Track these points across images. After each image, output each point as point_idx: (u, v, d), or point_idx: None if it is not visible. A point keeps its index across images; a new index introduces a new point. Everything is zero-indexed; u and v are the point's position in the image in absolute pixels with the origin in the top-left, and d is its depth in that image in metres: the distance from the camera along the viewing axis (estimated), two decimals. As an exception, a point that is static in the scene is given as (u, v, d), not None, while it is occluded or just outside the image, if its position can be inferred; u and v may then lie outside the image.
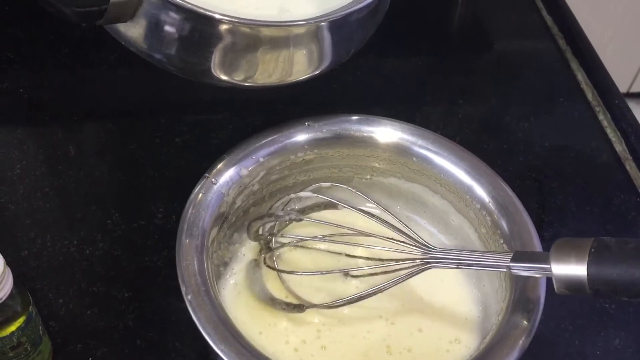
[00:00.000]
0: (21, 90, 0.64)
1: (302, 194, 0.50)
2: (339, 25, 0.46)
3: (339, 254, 0.51)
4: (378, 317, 0.49)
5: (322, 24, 0.45)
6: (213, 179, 0.47)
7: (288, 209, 0.52)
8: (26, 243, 0.53)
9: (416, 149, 0.51)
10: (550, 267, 0.39)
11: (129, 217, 0.56)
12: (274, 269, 0.49)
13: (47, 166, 0.59)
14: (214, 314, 0.42)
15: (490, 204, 0.49)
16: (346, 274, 0.50)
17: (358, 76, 0.70)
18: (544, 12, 0.79)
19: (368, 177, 0.54)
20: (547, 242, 0.56)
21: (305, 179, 0.53)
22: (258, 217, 0.49)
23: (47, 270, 0.52)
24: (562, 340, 0.52)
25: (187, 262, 0.43)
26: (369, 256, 0.50)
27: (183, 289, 0.42)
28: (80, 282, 0.52)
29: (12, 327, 0.42)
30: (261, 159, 0.49)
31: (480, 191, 0.50)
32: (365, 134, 0.52)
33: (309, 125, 0.51)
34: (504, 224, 0.48)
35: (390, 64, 0.72)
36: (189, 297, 0.42)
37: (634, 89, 1.56)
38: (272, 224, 0.50)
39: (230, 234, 0.50)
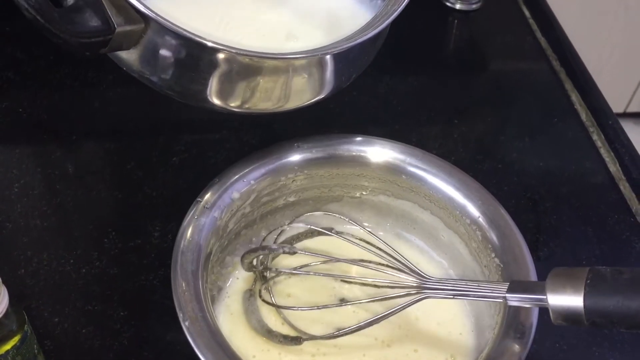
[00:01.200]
0: (20, 110, 0.64)
1: (295, 224, 0.50)
2: (343, 54, 0.46)
3: (334, 279, 0.51)
4: (373, 340, 0.49)
5: (326, 56, 0.45)
6: (205, 204, 0.48)
7: (281, 239, 0.52)
8: (23, 261, 0.53)
9: (405, 166, 0.52)
10: (547, 299, 0.39)
11: (126, 236, 0.56)
12: (270, 304, 0.49)
13: (45, 185, 0.59)
14: (212, 341, 0.42)
15: (480, 219, 0.50)
16: (342, 299, 0.51)
17: (355, 96, 0.71)
18: (539, 34, 0.80)
19: (357, 195, 0.54)
20: (543, 262, 0.57)
21: (295, 200, 0.53)
22: (252, 250, 0.49)
23: (43, 289, 0.52)
24: (556, 360, 0.52)
25: (183, 288, 0.43)
26: (364, 282, 0.50)
27: (180, 315, 0.42)
28: (76, 301, 0.52)
29: (7, 346, 0.42)
30: (252, 182, 0.50)
31: (470, 207, 0.50)
32: (355, 153, 0.53)
33: (298, 146, 0.52)
34: (494, 238, 0.49)
35: (386, 84, 0.73)
36: (186, 323, 0.42)
37: (631, 109, 1.57)
38: (266, 255, 0.50)
39: (223, 257, 0.50)
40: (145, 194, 0.59)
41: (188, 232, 0.46)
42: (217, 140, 0.64)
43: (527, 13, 0.83)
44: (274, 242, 0.51)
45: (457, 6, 0.83)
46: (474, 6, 0.83)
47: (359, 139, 0.53)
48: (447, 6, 0.83)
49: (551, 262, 0.57)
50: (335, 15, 0.49)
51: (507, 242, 0.48)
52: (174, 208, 0.51)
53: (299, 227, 0.52)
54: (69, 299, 0.52)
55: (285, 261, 0.52)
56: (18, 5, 0.40)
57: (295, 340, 0.48)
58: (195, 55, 0.43)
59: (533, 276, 0.47)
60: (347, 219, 0.49)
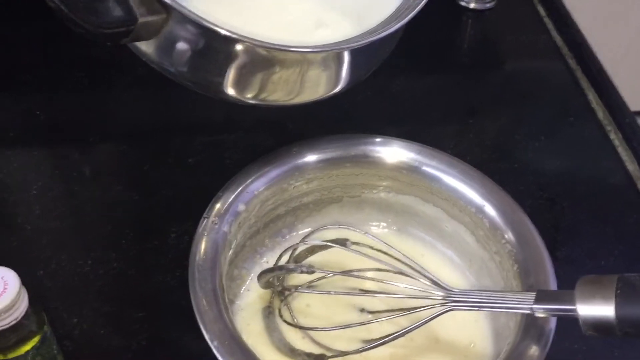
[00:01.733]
0: (37, 112, 0.65)
1: (309, 241, 0.50)
2: (363, 48, 0.45)
3: (354, 290, 0.51)
4: (395, 351, 0.48)
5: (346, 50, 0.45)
6: (213, 219, 0.47)
7: (294, 252, 0.51)
8: (42, 263, 0.54)
9: (404, 160, 0.52)
10: (577, 309, 0.39)
11: (143, 237, 0.56)
12: (293, 325, 0.49)
13: (63, 187, 0.60)
14: (243, 357, 0.41)
15: (485, 207, 0.50)
16: (362, 310, 0.50)
17: (368, 96, 0.71)
18: (554, 33, 0.79)
19: (357, 194, 0.54)
20: (560, 262, 0.56)
21: (296, 205, 0.53)
22: (268, 270, 0.49)
23: (62, 290, 0.53)
24: (575, 361, 0.51)
25: (206, 308, 0.43)
26: (385, 294, 0.49)
27: (207, 336, 0.42)
28: (94, 301, 0.52)
29: (27, 347, 0.42)
30: (255, 192, 0.49)
31: (474, 195, 0.50)
32: (353, 153, 0.52)
33: (295, 151, 0.52)
34: (502, 224, 0.49)
35: (400, 83, 0.72)
36: (215, 343, 0.42)
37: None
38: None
39: (231, 271, 0.50)
40: (161, 195, 0.59)
41: (201, 249, 0.46)
42: (232, 141, 0.64)
43: (541, 11, 0.83)
44: (289, 260, 0.51)
45: (471, 5, 0.82)
46: (488, 5, 0.82)
47: (352, 137, 0.53)
48: (461, 5, 0.82)
49: (569, 262, 0.57)
50: (364, 2, 0.49)
51: (517, 226, 0.48)
52: (190, 209, 0.51)
53: (314, 243, 0.51)
54: (87, 300, 0.52)
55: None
56: None
57: (320, 358, 0.47)
58: (214, 46, 0.43)
59: (547, 258, 0.47)
60: (362, 232, 0.49)
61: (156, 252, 0.55)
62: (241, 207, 0.48)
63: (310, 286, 0.50)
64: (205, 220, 0.47)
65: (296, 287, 0.50)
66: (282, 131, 0.61)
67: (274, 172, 0.50)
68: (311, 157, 0.52)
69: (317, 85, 0.47)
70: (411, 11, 0.46)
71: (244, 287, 0.51)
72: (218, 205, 0.48)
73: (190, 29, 0.42)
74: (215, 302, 0.44)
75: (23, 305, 0.41)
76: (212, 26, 0.41)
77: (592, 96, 0.72)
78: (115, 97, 0.68)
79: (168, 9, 0.41)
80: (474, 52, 0.80)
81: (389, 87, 0.72)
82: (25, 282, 0.41)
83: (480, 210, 0.50)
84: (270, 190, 0.50)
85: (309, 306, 0.50)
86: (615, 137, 0.67)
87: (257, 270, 0.51)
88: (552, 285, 0.46)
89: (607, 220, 0.60)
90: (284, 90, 0.46)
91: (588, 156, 0.66)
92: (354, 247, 0.49)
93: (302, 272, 0.47)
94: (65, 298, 0.52)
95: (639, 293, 0.37)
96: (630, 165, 0.65)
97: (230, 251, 0.48)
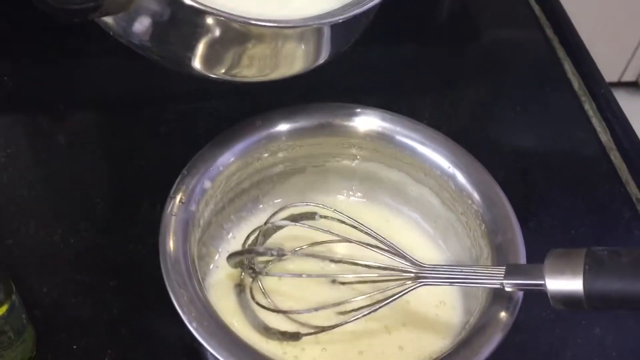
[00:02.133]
0: (5, 79, 0.63)
1: (278, 223, 0.48)
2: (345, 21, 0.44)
3: (323, 260, 0.50)
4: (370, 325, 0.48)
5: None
6: (181, 199, 0.46)
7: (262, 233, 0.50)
8: (10, 232, 0.53)
9: (367, 127, 0.52)
10: (545, 284, 0.39)
11: (114, 206, 0.56)
12: (266, 308, 0.48)
13: (32, 155, 0.59)
14: (227, 340, 0.41)
15: (450, 169, 0.50)
16: (334, 281, 0.50)
17: (345, 67, 0.69)
18: (532, 2, 0.79)
19: (321, 163, 0.54)
20: (532, 232, 0.57)
21: (260, 178, 0.53)
22: (237, 253, 0.48)
23: (32, 259, 0.52)
24: (543, 329, 0.52)
25: (182, 290, 0.42)
26: (356, 262, 0.48)
27: (185, 317, 0.41)
28: (65, 271, 0.52)
29: (-5, 316, 0.42)
30: (221, 168, 0.49)
31: (439, 158, 0.51)
32: (316, 123, 0.52)
33: (259, 125, 0.51)
34: (468, 185, 0.49)
35: (377, 54, 0.72)
36: (194, 324, 0.41)
37: (625, 78, 1.57)
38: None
39: (199, 249, 0.49)
40: (133, 164, 0.59)
41: (170, 231, 0.45)
42: (205, 110, 0.63)
43: (520, -19, 0.82)
44: (257, 239, 0.50)
45: (450, -26, 0.81)
46: (467, -26, 0.81)
47: (316, 108, 0.52)
48: (440, -26, 0.81)
49: (541, 232, 0.57)
50: None
51: (483, 187, 0.49)
52: (163, 178, 0.50)
53: (283, 225, 0.49)
54: (58, 269, 0.52)
55: (271, 243, 0.51)
56: None
57: (294, 336, 0.47)
58: (184, 19, 0.41)
59: (513, 216, 0.48)
60: (330, 209, 0.48)
61: (128, 221, 0.55)
62: (207, 184, 0.48)
63: (281, 261, 0.49)
64: (172, 200, 0.46)
65: (267, 269, 0.49)
66: (257, 100, 0.60)
67: (238, 147, 0.50)
68: (275, 129, 0.51)
69: (295, 60, 0.46)
70: None
71: (212, 265, 0.50)
72: (184, 184, 0.47)
73: (160, 2, 0.41)
74: (190, 284, 0.43)
75: (-11, 274, 0.40)
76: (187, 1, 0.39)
77: (568, 66, 0.72)
78: (86, 64, 0.67)
79: None
80: (453, 22, 0.79)
81: (367, 58, 0.71)
82: (-8, 251, 0.41)
83: (445, 173, 0.50)
84: (235, 165, 0.50)
85: (281, 280, 0.50)
86: (589, 108, 0.68)
87: (225, 246, 0.51)
88: (520, 243, 0.46)
89: (579, 191, 0.61)
90: (258, 65, 0.45)
91: (562, 127, 0.66)
92: (322, 220, 0.48)
93: (271, 255, 0.47)
94: (35, 267, 0.51)
95: (607, 268, 0.37)
96: (604, 135, 0.65)
97: (199, 230, 0.48)
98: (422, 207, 0.54)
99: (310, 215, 0.49)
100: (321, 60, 0.47)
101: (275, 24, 0.42)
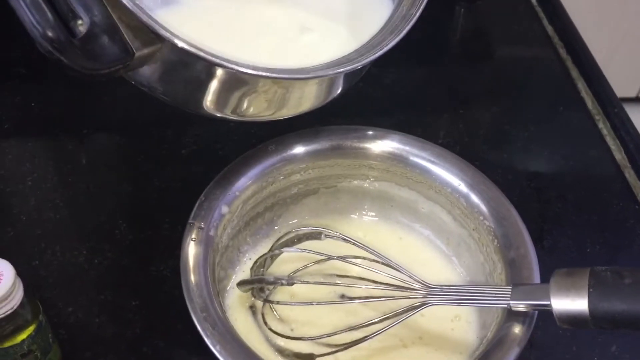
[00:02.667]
0: (33, 104, 0.66)
1: (285, 249, 0.50)
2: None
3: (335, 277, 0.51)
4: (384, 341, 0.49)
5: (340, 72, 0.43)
6: (200, 224, 0.48)
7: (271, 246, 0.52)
8: (37, 253, 0.55)
9: (379, 148, 0.53)
10: (551, 304, 0.40)
11: (136, 227, 0.57)
12: (280, 335, 0.48)
13: (58, 178, 0.61)
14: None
15: (460, 186, 0.51)
16: (343, 296, 0.50)
17: (361, 87, 0.71)
18: (545, 22, 0.80)
19: (333, 184, 0.55)
20: (547, 251, 0.57)
21: (275, 201, 0.54)
22: (247, 281, 0.49)
23: (57, 280, 0.54)
24: (559, 346, 0.52)
25: (204, 314, 0.43)
26: (367, 283, 0.49)
27: (208, 341, 0.42)
28: (89, 291, 0.53)
29: (23, 335, 0.43)
30: (237, 193, 0.50)
31: (449, 176, 0.52)
32: (328, 146, 0.53)
33: (272, 149, 0.52)
34: (479, 202, 0.50)
35: (392, 74, 0.73)
36: (217, 347, 0.42)
37: (644, 94, 1.56)
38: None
39: (218, 272, 0.50)
40: (154, 186, 0.60)
41: (191, 257, 0.46)
42: (224, 132, 0.65)
43: (533, 1, 0.83)
44: (265, 264, 0.51)
45: (463, -5, 0.82)
46: (480, -5, 0.83)
47: (327, 132, 0.54)
48: (453, -5, 0.83)
49: (556, 250, 0.58)
50: (352, 2, 0.48)
51: (494, 203, 0.50)
52: (183, 199, 0.52)
53: (291, 251, 0.51)
54: (82, 289, 0.53)
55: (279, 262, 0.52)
56: (32, 36, 0.38)
57: (308, 357, 0.47)
58: (194, 69, 0.42)
59: (525, 232, 0.49)
60: (336, 232, 0.49)
61: (149, 242, 0.56)
62: (224, 209, 0.49)
63: (291, 283, 0.49)
64: (191, 226, 0.47)
65: (277, 297, 0.50)
66: (272, 124, 0.62)
67: (253, 172, 0.51)
68: (288, 153, 0.52)
69: (306, 100, 0.47)
70: (407, 24, 0.45)
71: (229, 286, 0.52)
72: (202, 209, 0.49)
73: (182, 56, 0.41)
74: (212, 308, 0.44)
75: (18, 295, 0.42)
76: (207, 56, 0.40)
77: (581, 85, 0.72)
78: (109, 90, 0.68)
79: (162, 39, 0.40)
80: (466, 42, 0.81)
81: (381, 78, 0.73)
82: (20, 272, 0.42)
83: (455, 190, 0.51)
84: (251, 190, 0.51)
85: (294, 296, 0.51)
86: (603, 127, 0.68)
87: (241, 267, 0.53)
88: (533, 258, 0.47)
89: (594, 209, 0.61)
90: (268, 106, 0.46)
91: (576, 145, 0.67)
92: (328, 240, 0.49)
93: (281, 284, 0.48)
94: (60, 287, 0.53)
95: (611, 289, 0.38)
96: (618, 154, 0.65)
97: (218, 254, 0.49)
98: (434, 224, 0.55)
99: (316, 235, 0.50)
100: (333, 97, 0.49)
101: (288, 75, 0.43)
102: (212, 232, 0.48)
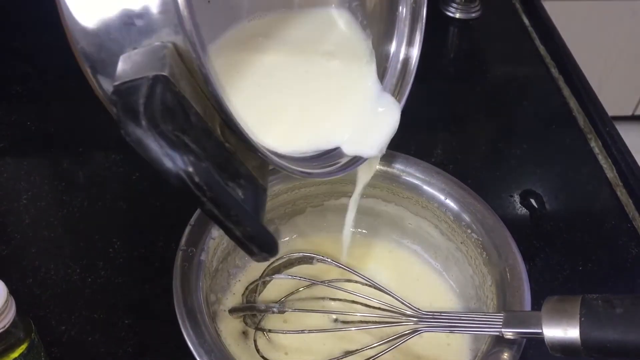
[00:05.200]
0: (29, 123, 0.66)
1: (276, 276, 0.50)
2: None
3: (324, 299, 0.52)
4: None
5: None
6: (190, 249, 0.48)
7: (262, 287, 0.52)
8: (31, 271, 0.55)
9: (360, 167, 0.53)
10: (543, 333, 0.40)
11: (130, 245, 0.57)
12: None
13: (53, 196, 0.61)
14: None
15: (447, 200, 0.51)
16: (336, 320, 0.51)
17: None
18: (537, 42, 0.81)
19: (320, 203, 0.56)
20: (539, 268, 0.58)
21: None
22: (238, 309, 0.49)
23: (51, 298, 0.54)
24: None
25: (200, 339, 0.43)
26: (356, 304, 0.49)
27: None
28: (82, 309, 0.53)
29: (15, 354, 0.43)
30: None
31: (435, 191, 0.52)
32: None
33: None
34: (466, 215, 0.51)
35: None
36: None
37: (639, 112, 1.57)
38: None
39: (209, 296, 0.50)
40: (149, 205, 0.61)
41: (183, 282, 0.46)
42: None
43: (526, 21, 0.84)
44: (257, 291, 0.51)
45: (457, 15, 0.84)
46: (473, 15, 0.84)
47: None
48: (447, 15, 0.84)
49: (548, 268, 0.58)
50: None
51: (481, 216, 0.50)
52: (177, 218, 0.52)
53: (281, 278, 0.51)
54: (75, 308, 0.53)
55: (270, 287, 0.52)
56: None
57: None
58: None
59: (513, 244, 0.49)
60: (327, 259, 0.49)
61: (143, 260, 0.56)
62: (215, 233, 0.49)
63: (283, 311, 0.50)
64: (182, 252, 0.48)
65: (270, 325, 0.50)
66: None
67: None
68: (276, 175, 0.52)
69: None
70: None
71: (220, 308, 0.52)
72: (193, 235, 0.49)
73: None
74: (207, 332, 0.44)
75: (11, 313, 0.42)
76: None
77: (573, 104, 0.73)
78: (104, 108, 0.69)
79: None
80: (459, 61, 0.81)
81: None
82: (14, 290, 0.42)
83: (442, 204, 0.52)
84: None
85: (286, 322, 0.51)
86: (595, 145, 0.69)
87: (232, 289, 0.53)
88: (522, 268, 0.47)
89: (586, 227, 0.61)
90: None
91: (568, 164, 0.67)
92: (319, 265, 0.49)
93: (272, 312, 0.47)
94: (54, 306, 0.53)
95: (602, 318, 0.39)
96: (610, 172, 0.66)
97: (209, 278, 0.49)
98: (422, 238, 0.55)
99: (308, 260, 0.50)
100: None
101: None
102: (202, 257, 0.48)
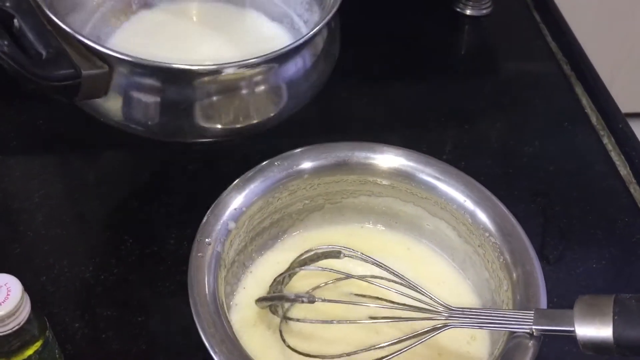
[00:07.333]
0: (40, 122, 0.66)
1: (305, 268, 0.49)
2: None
3: (350, 295, 0.51)
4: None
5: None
6: (207, 240, 0.48)
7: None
8: (44, 269, 0.55)
9: (384, 164, 0.53)
10: (575, 331, 0.40)
11: (143, 243, 0.57)
12: (298, 352, 0.48)
13: (65, 195, 0.61)
14: None
15: (466, 202, 0.51)
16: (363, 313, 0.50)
17: (365, 102, 0.72)
18: (549, 38, 0.80)
19: (338, 200, 0.55)
20: (553, 266, 0.57)
21: (280, 216, 0.54)
22: (267, 298, 0.49)
23: (64, 296, 0.54)
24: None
25: (212, 330, 0.43)
26: (388, 304, 0.49)
27: (217, 358, 0.42)
28: (96, 306, 0.53)
29: (30, 351, 0.43)
30: (244, 209, 0.50)
31: (454, 192, 0.52)
32: (333, 162, 0.53)
33: (278, 164, 0.52)
34: (485, 219, 0.50)
35: (396, 89, 0.74)
36: None
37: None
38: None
39: (224, 287, 0.50)
40: (161, 202, 0.61)
41: (199, 272, 0.46)
42: (230, 149, 0.65)
43: (537, 17, 0.84)
44: (283, 282, 0.51)
45: (468, 12, 0.83)
46: (484, 11, 0.83)
47: (333, 147, 0.54)
48: (458, 12, 0.83)
49: (561, 266, 0.58)
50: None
51: (500, 220, 0.50)
52: (189, 215, 0.52)
53: (310, 269, 0.50)
54: (89, 305, 0.53)
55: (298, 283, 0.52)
56: None
57: None
58: (165, 86, 0.49)
59: (531, 249, 0.48)
60: (356, 252, 0.49)
61: (156, 257, 0.56)
62: (231, 225, 0.49)
63: (312, 300, 0.48)
64: (199, 242, 0.48)
65: (299, 315, 0.50)
66: (276, 140, 0.62)
67: (259, 187, 0.51)
68: (294, 169, 0.53)
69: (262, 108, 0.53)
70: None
71: (233, 301, 0.51)
72: (209, 225, 0.49)
73: (135, 74, 0.48)
74: (220, 324, 0.44)
75: (25, 310, 0.42)
76: (157, 63, 0.48)
77: (585, 101, 0.73)
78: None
79: (108, 61, 0.48)
80: (470, 57, 0.81)
81: (386, 93, 0.73)
82: (28, 288, 0.42)
83: (461, 206, 0.51)
84: (257, 205, 0.51)
85: (310, 315, 0.50)
86: (608, 142, 0.68)
87: (245, 283, 0.52)
88: (539, 275, 0.47)
89: (599, 224, 0.61)
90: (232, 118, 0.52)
91: (581, 161, 0.67)
92: (347, 260, 0.49)
93: (302, 302, 0.47)
94: (67, 303, 0.53)
95: (636, 317, 0.39)
96: (623, 169, 0.65)
97: (225, 269, 0.49)
98: (439, 239, 0.55)
99: (335, 254, 0.50)
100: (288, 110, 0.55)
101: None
102: (219, 248, 0.48)
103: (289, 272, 0.50)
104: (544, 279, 0.47)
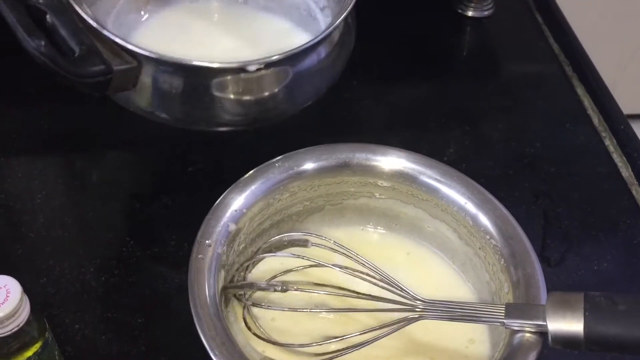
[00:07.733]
0: (41, 123, 0.67)
1: (278, 254, 0.50)
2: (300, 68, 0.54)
3: (313, 286, 0.51)
4: (388, 347, 0.49)
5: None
6: (207, 241, 0.48)
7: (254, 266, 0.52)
8: (45, 271, 0.55)
9: (385, 166, 0.53)
10: (547, 325, 0.41)
11: (144, 244, 0.57)
12: (266, 340, 0.48)
13: (66, 196, 0.61)
14: None
15: (467, 204, 0.51)
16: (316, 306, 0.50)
17: (367, 103, 0.72)
18: (551, 40, 0.80)
19: (339, 201, 0.55)
20: (554, 268, 0.57)
21: (281, 218, 0.54)
22: (236, 286, 0.49)
23: (65, 297, 0.54)
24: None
25: (212, 332, 0.43)
26: (359, 296, 0.49)
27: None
28: (96, 308, 0.53)
29: (29, 353, 0.43)
30: (244, 210, 0.50)
31: (455, 194, 0.52)
32: (334, 164, 0.53)
33: (279, 166, 0.52)
34: (486, 221, 0.50)
35: (398, 90, 0.73)
36: None
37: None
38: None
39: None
40: (162, 203, 0.61)
41: (199, 274, 0.46)
42: (232, 149, 0.65)
43: (539, 19, 0.83)
44: (249, 269, 0.51)
45: (469, 13, 0.83)
46: (486, 13, 0.83)
47: (334, 149, 0.54)
48: (460, 13, 0.83)
49: (563, 267, 0.58)
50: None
51: (501, 222, 0.50)
52: (190, 216, 0.52)
53: (283, 256, 0.51)
54: (89, 307, 0.53)
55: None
56: (31, 53, 0.47)
57: None
58: (189, 80, 0.51)
59: (532, 251, 0.48)
60: (332, 242, 0.49)
61: (156, 259, 0.57)
62: (232, 226, 0.49)
63: (285, 289, 0.48)
64: (199, 244, 0.47)
65: (266, 302, 0.50)
66: (279, 140, 0.62)
67: (259, 189, 0.51)
68: (294, 170, 0.52)
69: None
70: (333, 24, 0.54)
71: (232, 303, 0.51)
72: (209, 227, 0.48)
73: (162, 69, 0.51)
74: (220, 327, 0.44)
75: (25, 312, 0.42)
76: (184, 61, 0.50)
77: (587, 102, 0.72)
78: (117, 107, 0.69)
79: (137, 57, 0.50)
80: (472, 59, 0.81)
81: (387, 95, 0.73)
82: (28, 289, 0.42)
83: (462, 208, 0.51)
84: (257, 207, 0.51)
85: (271, 304, 0.50)
86: (610, 143, 0.68)
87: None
88: (540, 277, 0.47)
89: (601, 226, 0.61)
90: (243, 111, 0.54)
91: (583, 162, 0.67)
92: (314, 247, 0.49)
93: (274, 290, 0.47)
94: (68, 305, 0.53)
95: (605, 315, 0.40)
96: (625, 171, 0.65)
97: (224, 271, 0.49)
98: (440, 241, 0.54)
99: (303, 243, 0.50)
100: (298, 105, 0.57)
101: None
102: (219, 250, 0.48)
103: (254, 260, 0.50)
104: (544, 281, 0.47)
